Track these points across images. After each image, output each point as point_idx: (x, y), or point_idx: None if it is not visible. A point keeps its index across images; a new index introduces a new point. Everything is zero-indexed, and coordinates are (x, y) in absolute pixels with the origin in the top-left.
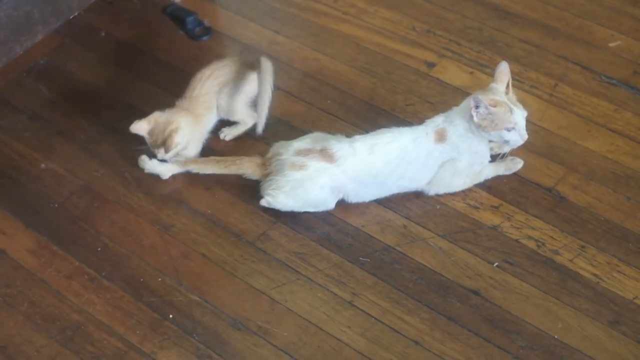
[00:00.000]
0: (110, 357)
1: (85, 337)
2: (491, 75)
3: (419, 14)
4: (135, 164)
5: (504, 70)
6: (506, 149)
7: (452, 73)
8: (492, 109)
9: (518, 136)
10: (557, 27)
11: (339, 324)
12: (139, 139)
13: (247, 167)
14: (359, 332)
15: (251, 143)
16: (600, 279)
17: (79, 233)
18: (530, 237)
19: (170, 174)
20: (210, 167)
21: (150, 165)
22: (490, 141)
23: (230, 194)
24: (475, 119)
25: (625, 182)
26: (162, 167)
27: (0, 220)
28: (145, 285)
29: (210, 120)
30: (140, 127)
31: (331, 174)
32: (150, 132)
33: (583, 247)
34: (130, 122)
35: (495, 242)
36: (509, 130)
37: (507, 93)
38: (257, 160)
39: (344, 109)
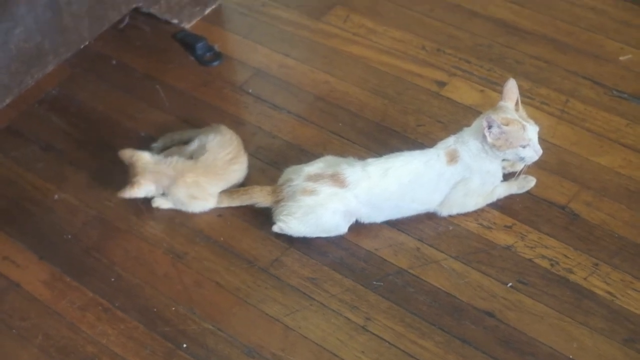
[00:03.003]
0: None
1: None
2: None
3: (428, 33)
4: None
5: (512, 88)
6: (520, 167)
7: (463, 92)
8: (505, 127)
9: (533, 152)
10: (567, 41)
11: (353, 350)
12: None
13: (258, 196)
14: (373, 357)
15: (263, 168)
16: (615, 296)
17: (92, 264)
18: (543, 257)
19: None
20: (223, 201)
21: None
22: (503, 160)
23: (243, 220)
24: (488, 139)
25: (639, 198)
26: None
27: (13, 252)
28: (158, 314)
29: None
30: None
31: (343, 199)
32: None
33: (597, 264)
34: (143, 150)
35: (508, 262)
36: (523, 147)
37: (516, 110)
38: (267, 188)
39: (355, 131)
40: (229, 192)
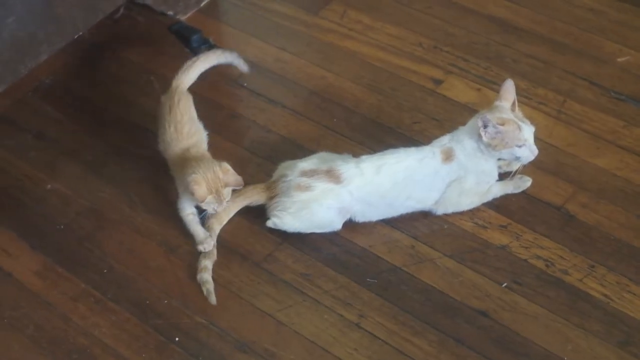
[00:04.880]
0: None
1: None
2: (498, 91)
3: (425, 30)
4: (141, 183)
5: (509, 88)
6: (516, 167)
7: (459, 90)
8: (500, 127)
9: (529, 152)
10: (565, 42)
11: (345, 347)
12: (145, 158)
13: (252, 194)
14: (365, 354)
15: (258, 162)
16: (610, 299)
17: (84, 254)
18: (539, 257)
19: None
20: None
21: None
22: (498, 159)
23: (237, 214)
24: (484, 138)
25: (635, 200)
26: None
27: (5, 242)
28: (151, 307)
29: None
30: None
31: (337, 195)
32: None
33: (592, 266)
34: (137, 141)
35: (503, 262)
36: (519, 147)
37: (513, 110)
38: (260, 185)
39: (350, 127)
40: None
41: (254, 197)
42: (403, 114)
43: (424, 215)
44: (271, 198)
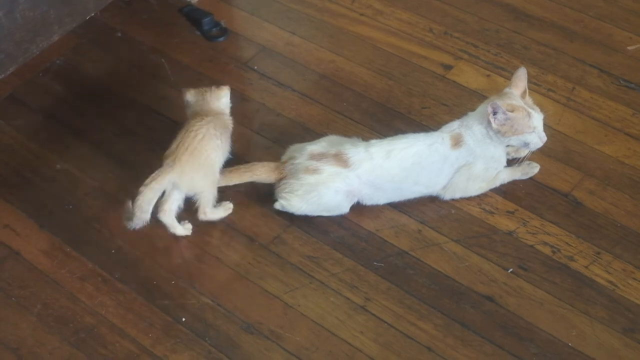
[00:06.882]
0: None
1: (98, 340)
2: (508, 78)
3: (435, 16)
4: (150, 164)
5: (521, 77)
6: (524, 153)
7: (469, 76)
8: (510, 114)
9: (538, 139)
10: (575, 29)
11: (351, 329)
12: (154, 139)
13: (261, 172)
14: (371, 337)
15: (266, 145)
16: (616, 286)
17: (93, 234)
18: (545, 243)
19: None
20: (223, 180)
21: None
22: (507, 145)
23: (245, 196)
24: (493, 125)
25: None
26: None
27: (14, 221)
28: (158, 287)
29: None
30: None
31: (345, 179)
32: None
33: (598, 253)
34: (146, 122)
35: (510, 248)
36: (528, 133)
37: (523, 98)
38: (270, 164)
39: (359, 111)
40: (229, 170)
41: (263, 174)
42: (413, 99)
43: (432, 200)
44: (279, 180)
